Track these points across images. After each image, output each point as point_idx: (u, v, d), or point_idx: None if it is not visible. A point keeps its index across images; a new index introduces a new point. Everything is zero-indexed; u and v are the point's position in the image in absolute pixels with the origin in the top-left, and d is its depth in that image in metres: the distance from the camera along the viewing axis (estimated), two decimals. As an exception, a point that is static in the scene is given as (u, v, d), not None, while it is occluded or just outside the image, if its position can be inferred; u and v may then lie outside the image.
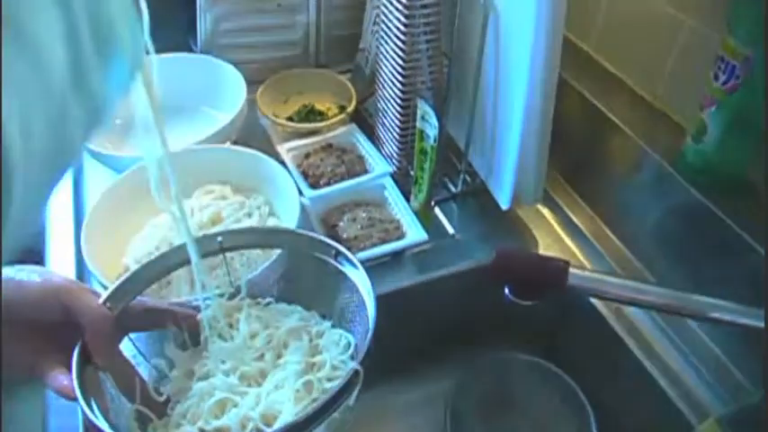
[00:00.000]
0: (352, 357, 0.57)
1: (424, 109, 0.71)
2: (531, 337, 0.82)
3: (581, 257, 0.80)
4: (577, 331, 0.80)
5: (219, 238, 0.60)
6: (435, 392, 0.80)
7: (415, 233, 0.76)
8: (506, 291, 0.49)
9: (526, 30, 0.61)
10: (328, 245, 0.58)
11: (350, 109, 0.93)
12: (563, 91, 0.69)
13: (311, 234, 0.60)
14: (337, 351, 0.57)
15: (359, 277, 0.55)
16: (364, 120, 0.96)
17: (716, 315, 0.43)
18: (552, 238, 0.82)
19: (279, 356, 0.58)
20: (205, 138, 0.82)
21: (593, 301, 0.74)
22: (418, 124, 0.73)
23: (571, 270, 0.46)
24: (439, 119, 0.70)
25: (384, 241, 0.77)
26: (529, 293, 0.47)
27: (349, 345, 0.57)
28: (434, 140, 0.70)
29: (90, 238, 0.69)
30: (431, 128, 0.70)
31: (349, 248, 0.74)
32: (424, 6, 0.70)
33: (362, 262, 0.74)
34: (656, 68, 0.75)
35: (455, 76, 0.77)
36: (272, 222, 0.75)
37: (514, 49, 0.66)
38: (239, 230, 0.64)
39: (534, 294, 0.47)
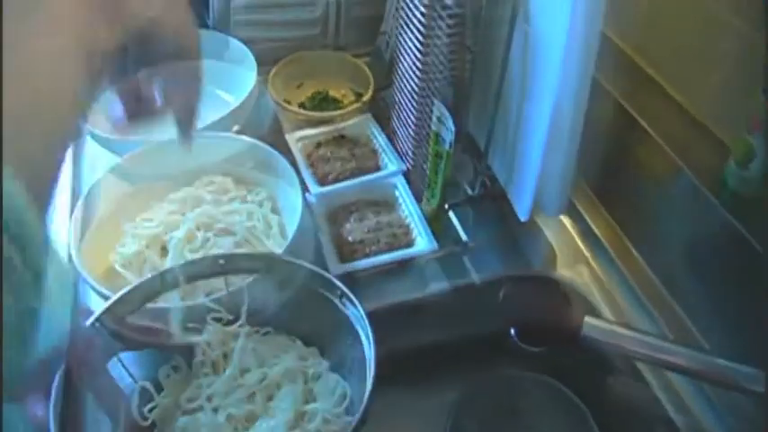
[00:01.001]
0: (347, 411, 0.53)
1: (441, 111, 0.66)
2: (540, 354, 0.77)
3: (601, 275, 0.74)
4: (589, 351, 0.75)
5: (222, 261, 0.57)
6: (437, 406, 0.76)
7: (424, 241, 0.71)
8: (512, 333, 0.44)
9: (559, 26, 0.55)
10: (333, 284, 0.54)
11: (366, 98, 0.87)
12: (594, 92, 0.63)
13: (319, 270, 0.56)
14: (331, 402, 0.54)
15: (361, 326, 0.51)
16: (381, 109, 0.90)
17: (742, 384, 0.38)
18: (572, 251, 0.77)
19: (270, 398, 0.55)
20: (210, 123, 0.77)
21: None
22: (434, 126, 0.68)
23: (586, 320, 0.40)
24: (456, 122, 0.64)
25: (391, 247, 0.72)
26: (537, 340, 0.42)
27: (345, 396, 0.54)
28: (450, 146, 0.65)
29: (81, 235, 0.66)
30: (447, 131, 0.65)
31: (354, 252, 0.71)
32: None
33: (367, 269, 0.71)
34: (701, 76, 0.68)
35: (478, 72, 0.71)
36: (274, 222, 0.71)
37: (545, 47, 0.59)
38: (241, 255, 0.61)
39: (542, 342, 0.42)
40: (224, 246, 0.67)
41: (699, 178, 0.64)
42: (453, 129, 0.63)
